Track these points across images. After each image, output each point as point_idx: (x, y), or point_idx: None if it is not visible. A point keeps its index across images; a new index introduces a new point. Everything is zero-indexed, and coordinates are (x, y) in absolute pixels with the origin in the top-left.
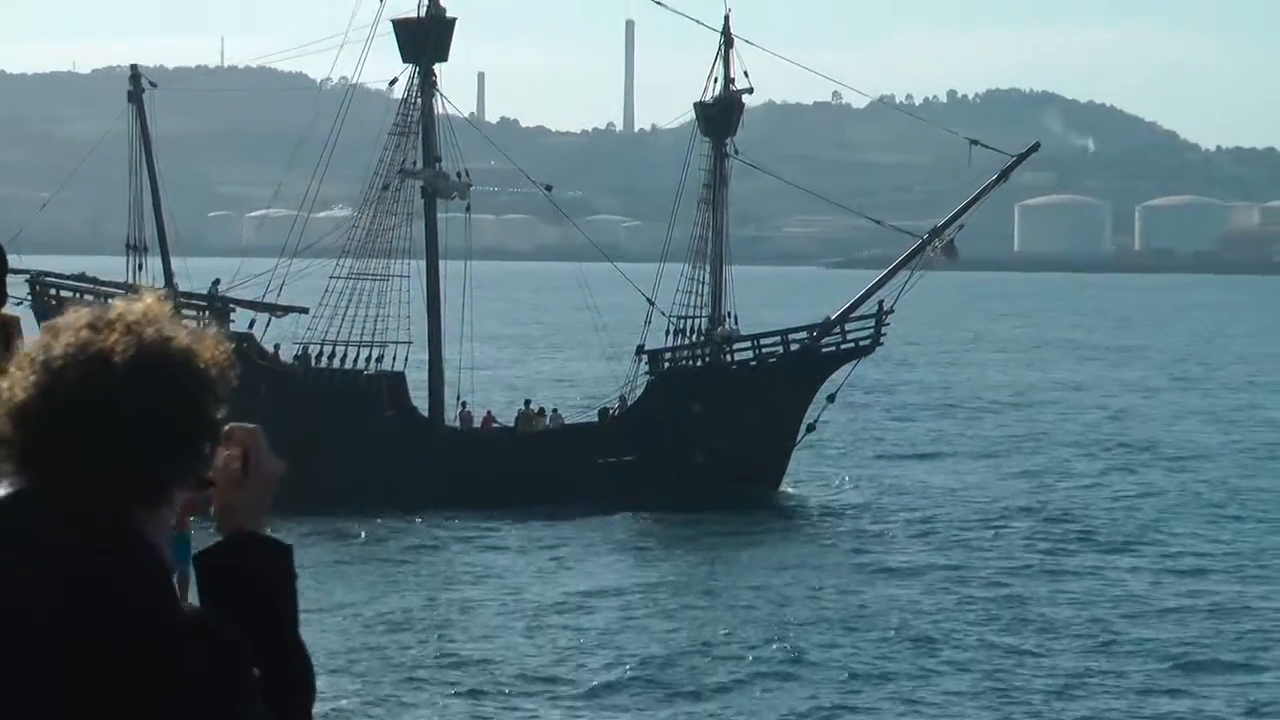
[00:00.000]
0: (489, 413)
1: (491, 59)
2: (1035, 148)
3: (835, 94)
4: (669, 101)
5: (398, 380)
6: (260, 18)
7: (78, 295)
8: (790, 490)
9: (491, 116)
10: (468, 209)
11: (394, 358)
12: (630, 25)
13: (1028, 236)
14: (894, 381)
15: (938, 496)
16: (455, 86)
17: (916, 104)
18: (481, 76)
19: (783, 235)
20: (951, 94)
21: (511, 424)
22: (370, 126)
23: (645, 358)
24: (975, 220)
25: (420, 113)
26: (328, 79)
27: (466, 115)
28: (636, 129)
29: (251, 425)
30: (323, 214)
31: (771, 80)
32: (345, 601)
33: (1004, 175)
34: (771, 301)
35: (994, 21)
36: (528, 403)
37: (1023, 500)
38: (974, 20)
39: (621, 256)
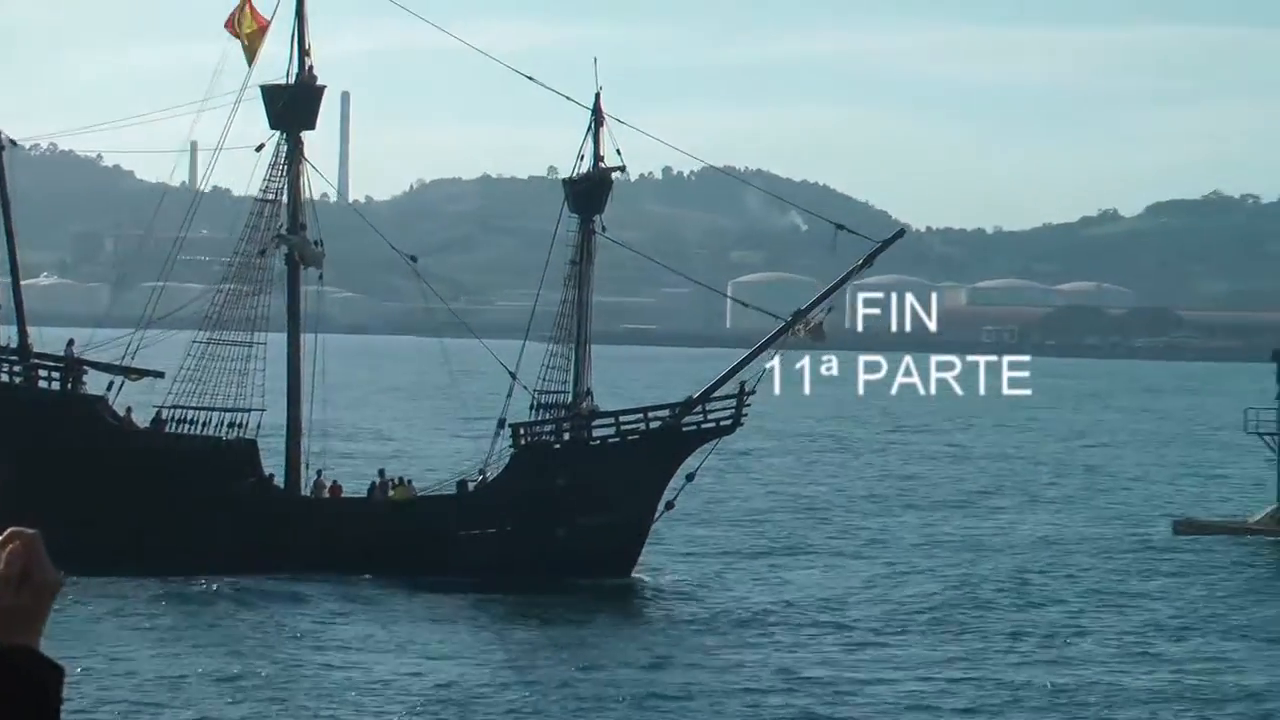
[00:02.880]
0: (335, 483)
1: (203, 128)
2: (900, 234)
3: (551, 169)
4: (384, 174)
5: (251, 447)
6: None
7: None
8: (644, 571)
9: (205, 185)
10: (320, 278)
11: (246, 424)
12: (346, 97)
13: (740, 314)
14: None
15: (782, 583)
16: (167, 156)
17: (632, 180)
18: (194, 145)
19: (499, 309)
20: (667, 170)
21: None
22: (78, 196)
23: (508, 431)
24: (687, 298)
25: (286, 180)
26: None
27: (179, 184)
28: (351, 200)
29: (32, 531)
30: (28, 282)
31: (485, 155)
32: (185, 665)
33: (869, 260)
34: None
35: (707, 99)
36: (381, 473)
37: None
38: (688, 98)
39: (331, 328)
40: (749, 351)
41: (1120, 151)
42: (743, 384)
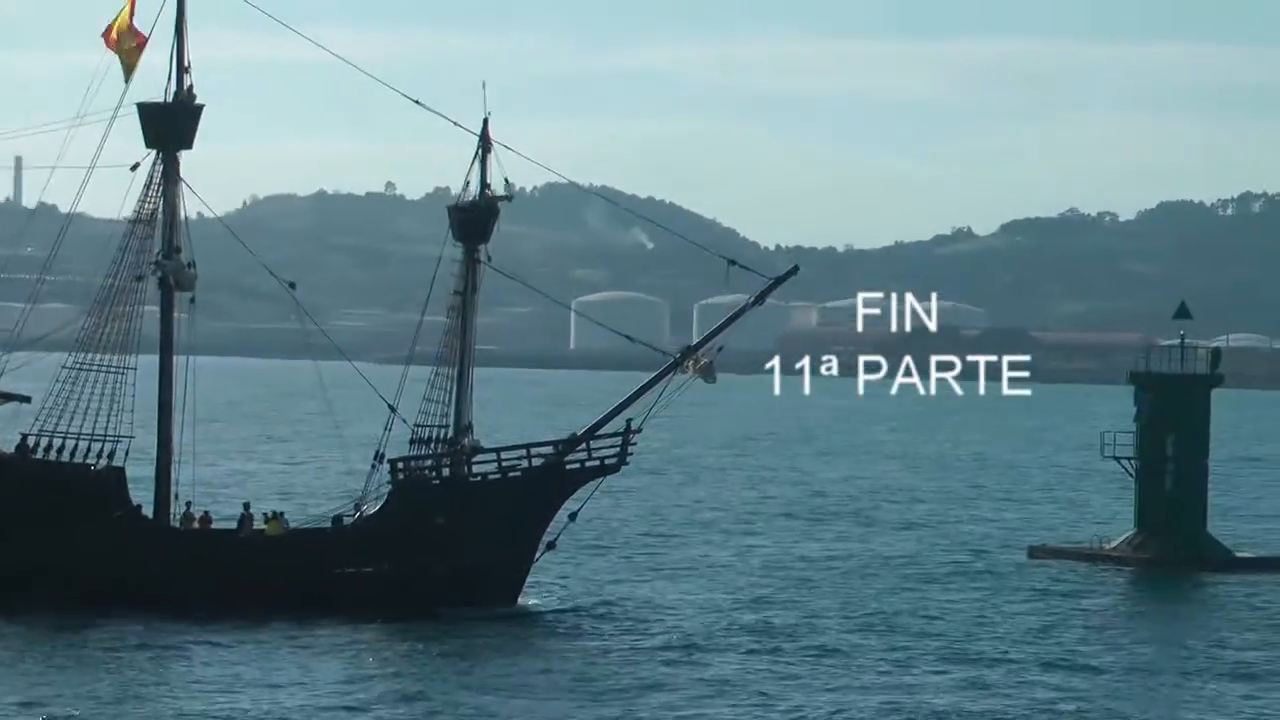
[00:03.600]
0: (205, 514)
1: (28, 143)
2: (794, 271)
3: (389, 184)
4: (216, 191)
5: (120, 475)
6: None
7: None
8: (524, 604)
9: (29, 201)
10: (192, 300)
11: (114, 452)
12: None
13: (584, 333)
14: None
15: (668, 609)
16: None
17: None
18: (19, 160)
19: (334, 329)
20: (509, 186)
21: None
22: None
23: (385, 465)
24: (530, 318)
25: (162, 201)
26: None
27: (2, 200)
28: (181, 217)
29: None
30: None
31: (323, 169)
32: (44, 703)
33: (760, 298)
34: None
35: (547, 112)
36: (247, 506)
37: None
38: (527, 111)
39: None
40: (636, 389)
41: (974, 168)
42: (629, 421)
